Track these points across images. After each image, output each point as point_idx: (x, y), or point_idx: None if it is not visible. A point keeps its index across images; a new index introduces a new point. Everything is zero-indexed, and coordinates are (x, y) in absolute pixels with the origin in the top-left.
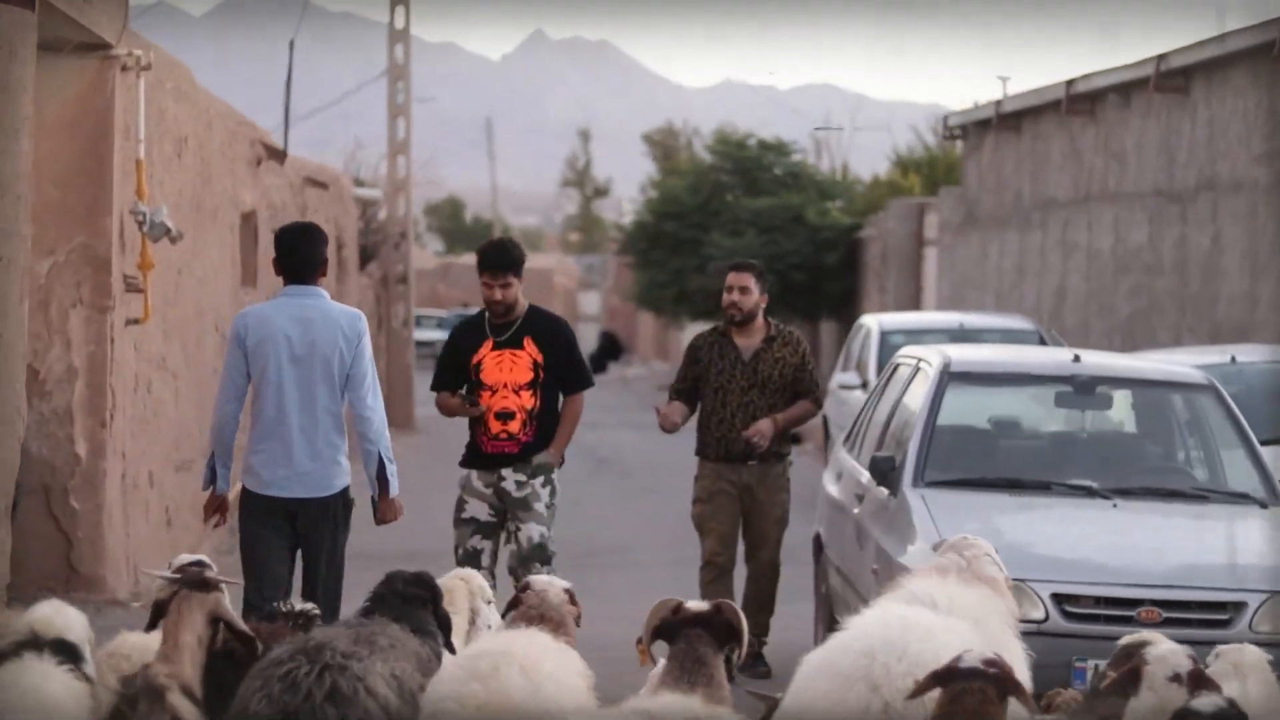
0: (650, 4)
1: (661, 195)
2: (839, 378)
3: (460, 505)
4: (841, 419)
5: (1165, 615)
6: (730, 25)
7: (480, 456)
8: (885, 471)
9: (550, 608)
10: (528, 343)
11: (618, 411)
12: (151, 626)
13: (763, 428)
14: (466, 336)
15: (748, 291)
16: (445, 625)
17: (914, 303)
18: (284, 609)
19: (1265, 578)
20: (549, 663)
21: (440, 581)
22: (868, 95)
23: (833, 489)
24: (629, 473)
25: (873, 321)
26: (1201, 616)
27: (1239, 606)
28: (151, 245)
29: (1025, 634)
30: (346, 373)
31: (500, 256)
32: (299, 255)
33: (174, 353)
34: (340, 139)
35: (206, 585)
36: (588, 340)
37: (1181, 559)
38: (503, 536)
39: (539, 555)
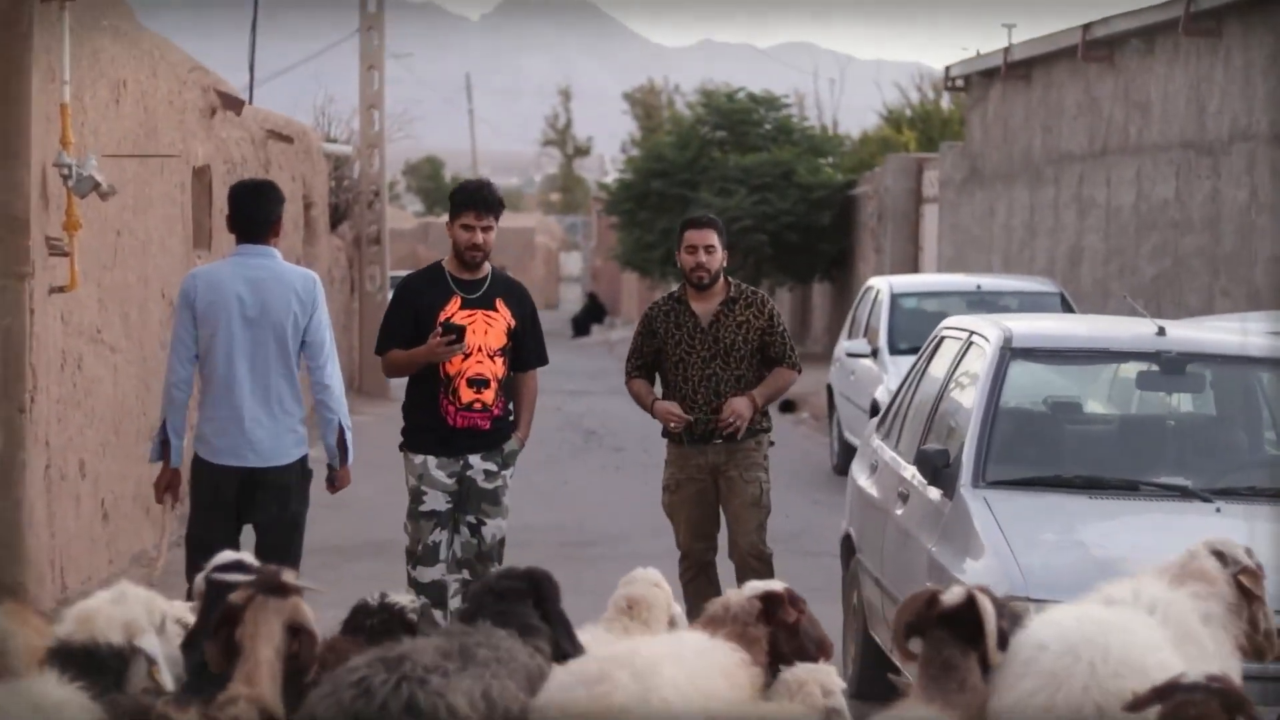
0: None
1: (647, 152)
2: (846, 345)
3: (418, 497)
4: (848, 389)
5: None
6: None
7: (441, 434)
8: (937, 468)
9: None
10: (500, 305)
11: (604, 378)
12: (216, 639)
13: (738, 407)
14: (427, 290)
15: (713, 250)
16: (562, 623)
17: (912, 264)
18: (374, 602)
19: None
20: (670, 667)
21: (630, 592)
22: (850, 55)
23: (866, 483)
24: (620, 446)
25: (883, 283)
26: None
27: None
28: (79, 202)
29: None
30: (302, 338)
31: (485, 194)
32: (250, 213)
33: (112, 324)
34: (312, 98)
35: (285, 590)
36: (572, 302)
37: None
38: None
39: (498, 553)
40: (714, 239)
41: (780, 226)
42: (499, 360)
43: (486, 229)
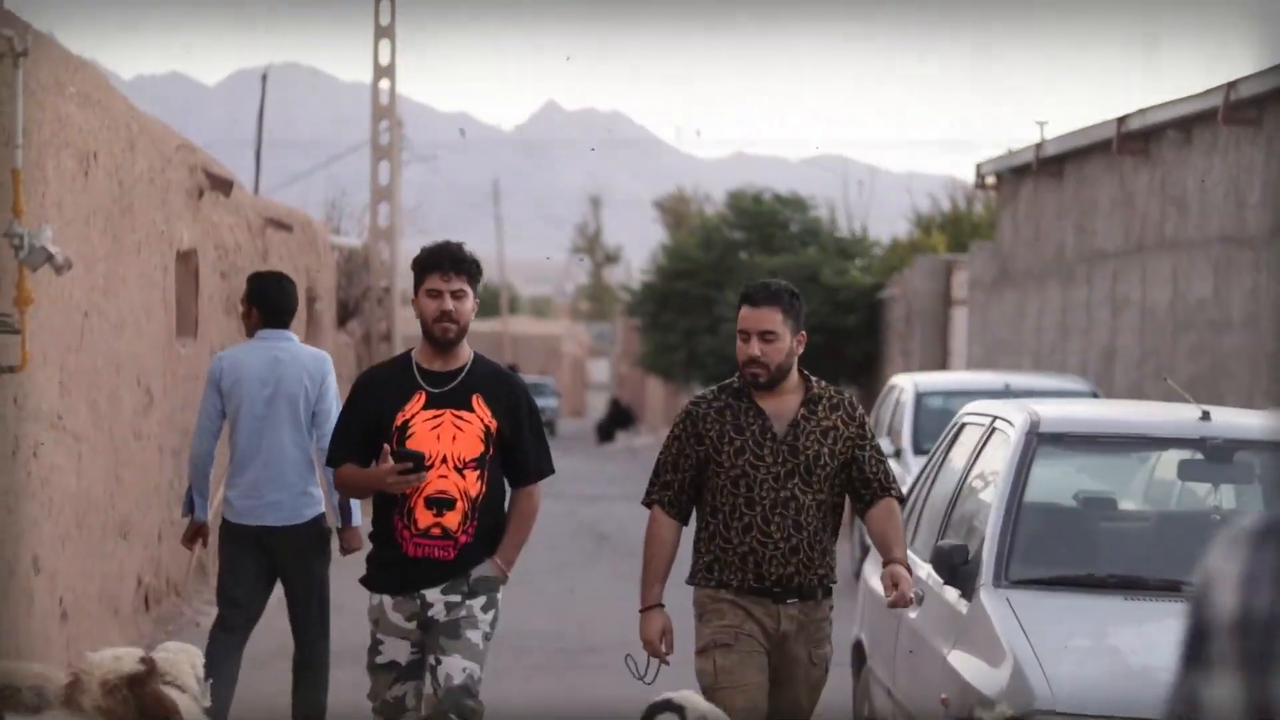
0: (664, 77)
1: (672, 253)
2: None
3: (375, 648)
4: None
5: None
6: (743, 97)
7: (396, 569)
8: (955, 566)
9: None
10: (477, 402)
11: (623, 483)
12: None
13: (901, 579)
14: (384, 387)
15: (773, 339)
16: None
17: (940, 366)
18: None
19: None
20: None
21: None
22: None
23: (878, 585)
24: (634, 552)
25: (907, 381)
26: None
27: None
28: (32, 276)
29: None
30: (313, 409)
31: (451, 251)
32: (275, 302)
33: (76, 410)
34: (324, 194)
35: None
36: (597, 409)
37: None
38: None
39: (460, 701)
40: (777, 320)
41: (807, 329)
42: (471, 474)
43: (458, 294)
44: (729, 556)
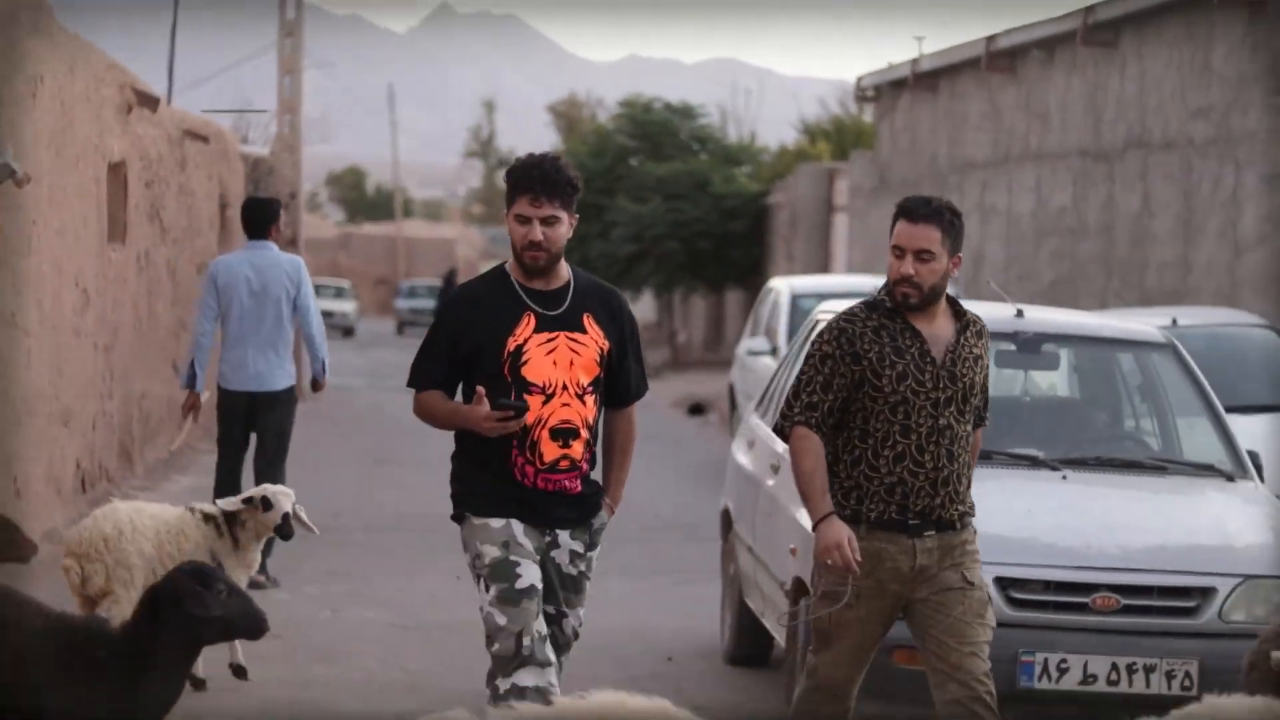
0: None
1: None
2: (747, 343)
3: (508, 571)
4: (749, 387)
5: (1124, 602)
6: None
7: (522, 496)
8: None
9: None
10: (589, 322)
11: None
12: None
13: None
14: (484, 308)
15: (929, 258)
16: None
17: (823, 270)
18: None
19: (1237, 560)
20: None
21: None
22: (774, 70)
23: (744, 459)
24: None
25: (783, 285)
26: (1165, 604)
27: (1207, 593)
28: None
29: None
30: (294, 303)
31: (547, 170)
32: (254, 217)
33: (25, 309)
34: (231, 104)
35: None
36: None
37: (1142, 539)
38: None
39: (572, 646)
40: (935, 240)
41: (693, 234)
42: (590, 399)
43: (550, 220)
44: (872, 486)
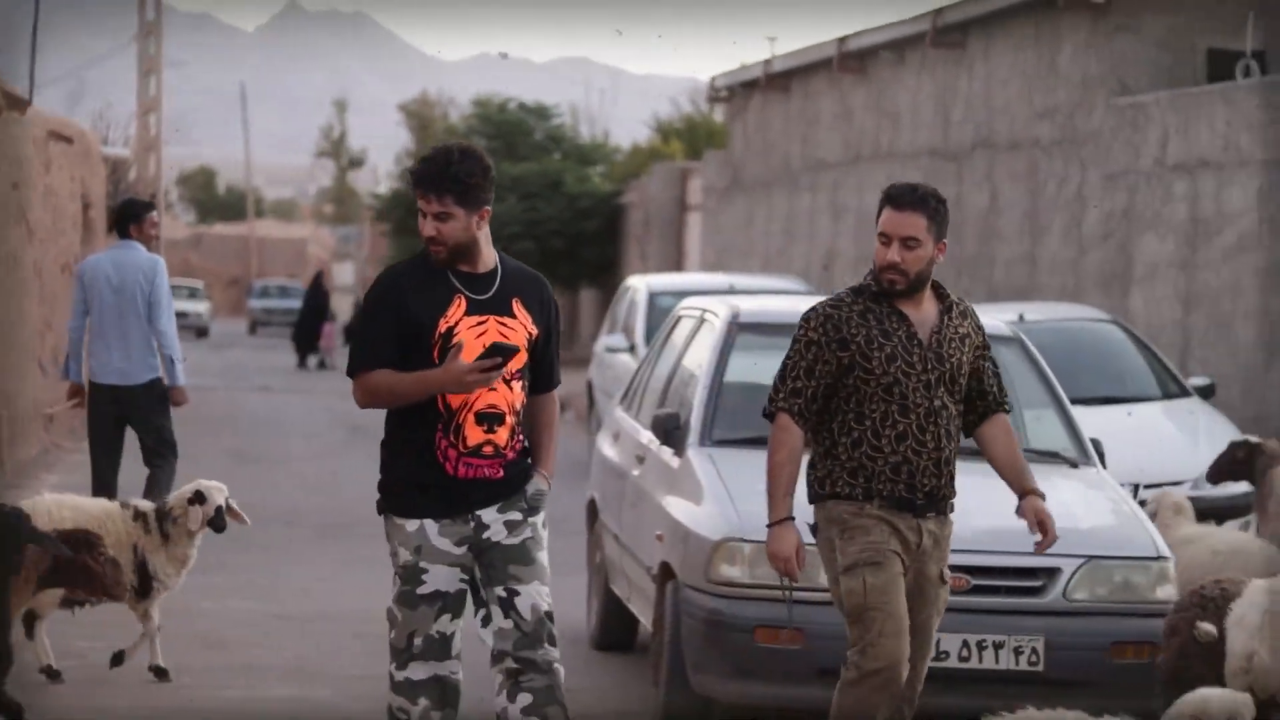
0: None
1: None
2: (605, 340)
3: (415, 578)
4: (606, 384)
5: (974, 582)
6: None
7: (439, 491)
8: (669, 430)
9: None
10: (518, 307)
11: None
12: None
13: (1045, 516)
14: (420, 289)
15: (915, 244)
16: None
17: (676, 268)
18: None
19: (1079, 542)
20: None
21: None
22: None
23: (609, 451)
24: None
25: (640, 283)
26: (1012, 584)
27: (1052, 573)
28: None
29: (818, 604)
30: (148, 300)
31: (432, 172)
32: (117, 217)
33: None
34: (91, 104)
35: None
36: (344, 312)
37: (990, 522)
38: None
39: (550, 630)
40: (920, 227)
41: (547, 233)
42: (517, 385)
43: (442, 216)
44: (878, 466)
